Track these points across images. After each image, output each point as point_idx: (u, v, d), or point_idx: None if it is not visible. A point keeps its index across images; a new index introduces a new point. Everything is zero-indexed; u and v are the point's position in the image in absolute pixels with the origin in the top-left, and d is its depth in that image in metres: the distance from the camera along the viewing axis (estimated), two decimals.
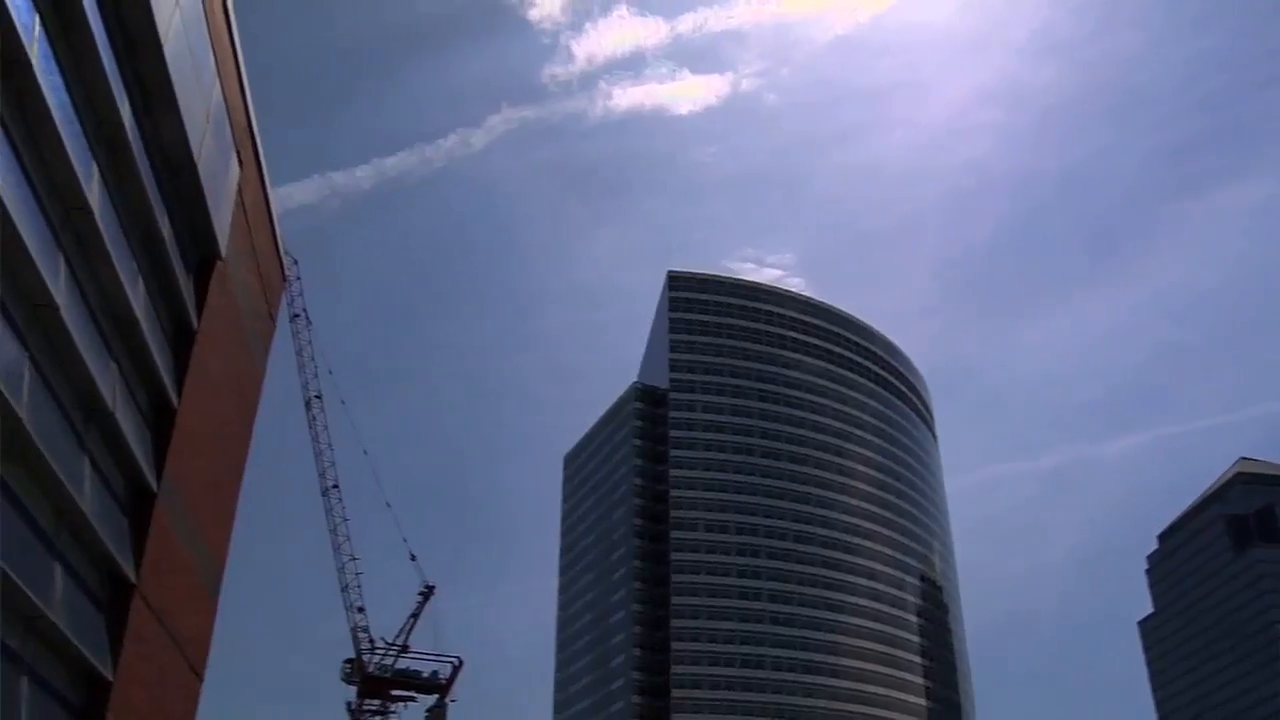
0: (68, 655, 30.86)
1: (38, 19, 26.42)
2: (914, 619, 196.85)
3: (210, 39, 38.35)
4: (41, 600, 28.08)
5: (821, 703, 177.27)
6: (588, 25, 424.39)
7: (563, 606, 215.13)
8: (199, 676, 43.36)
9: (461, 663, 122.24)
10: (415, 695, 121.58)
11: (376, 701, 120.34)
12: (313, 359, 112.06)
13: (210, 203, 39.64)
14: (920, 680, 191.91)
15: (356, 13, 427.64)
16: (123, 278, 32.33)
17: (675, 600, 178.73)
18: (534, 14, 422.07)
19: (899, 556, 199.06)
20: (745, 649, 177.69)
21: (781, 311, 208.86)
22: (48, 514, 29.59)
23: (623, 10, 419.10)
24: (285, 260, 58.33)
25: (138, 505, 36.04)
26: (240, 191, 44.84)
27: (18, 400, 26.29)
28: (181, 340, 39.65)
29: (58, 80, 27.75)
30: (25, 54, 25.21)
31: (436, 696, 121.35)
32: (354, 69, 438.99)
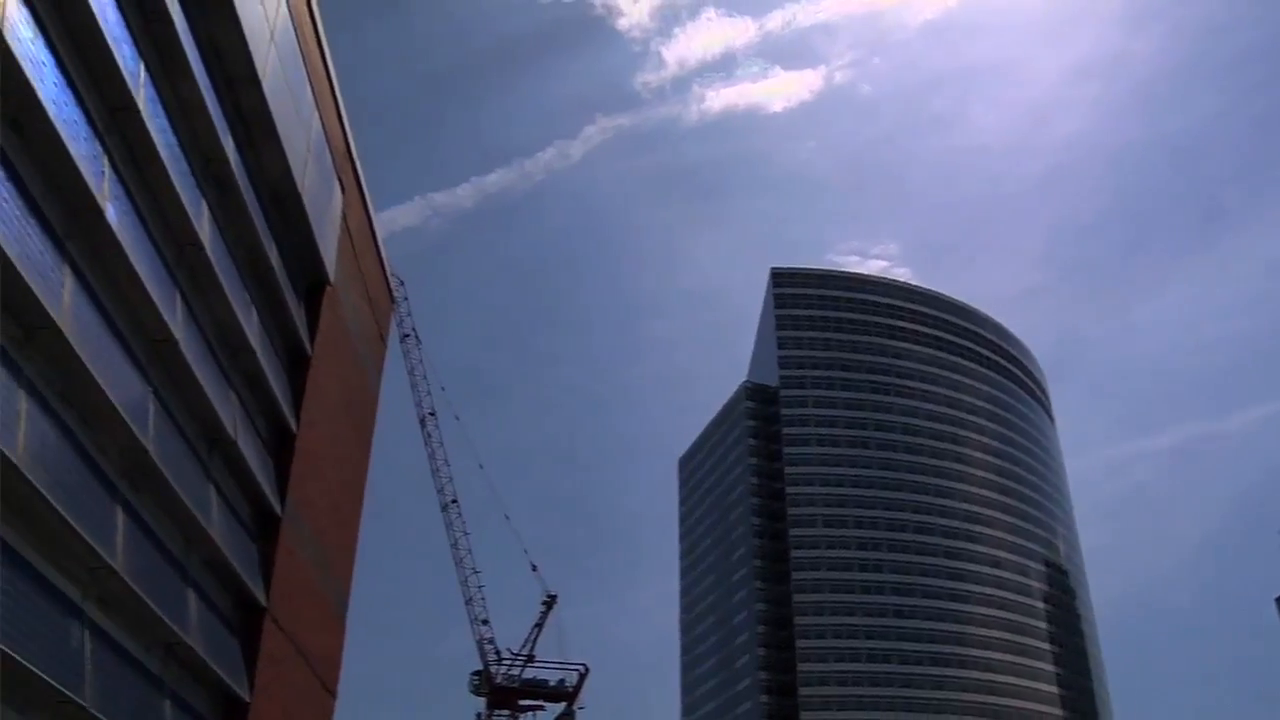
0: (206, 678, 31.71)
1: (142, 66, 27.26)
2: (1041, 605, 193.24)
3: (307, 71, 39.15)
4: (179, 626, 28.89)
5: (951, 694, 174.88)
6: (676, 30, 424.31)
7: (685, 609, 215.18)
8: (332, 694, 44.24)
9: (587, 670, 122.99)
10: (543, 704, 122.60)
11: (505, 712, 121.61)
12: (424, 377, 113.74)
13: (316, 230, 40.49)
14: (1050, 667, 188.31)
15: (447, 37, 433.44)
16: (236, 308, 33.15)
17: (797, 598, 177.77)
18: (623, 23, 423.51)
19: (1022, 543, 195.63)
20: (871, 643, 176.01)
21: (889, 301, 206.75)
22: (179, 542, 30.43)
23: (710, 13, 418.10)
24: (392, 281, 59.30)
25: (264, 529, 36.91)
26: (344, 217, 45.71)
27: (144, 433, 27.09)
28: (296, 366, 40.54)
29: (164, 122, 28.59)
30: (133, 99, 26.02)
31: (564, 704, 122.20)
32: (448, 91, 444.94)
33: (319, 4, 40.94)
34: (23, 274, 21.57)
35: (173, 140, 29.08)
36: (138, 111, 26.27)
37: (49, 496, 22.33)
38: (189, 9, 29.68)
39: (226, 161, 32.19)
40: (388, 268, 56.80)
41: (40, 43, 22.73)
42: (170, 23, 27.99)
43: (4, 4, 21.03)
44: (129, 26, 26.53)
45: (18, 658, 21.35)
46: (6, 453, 20.94)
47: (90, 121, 24.98)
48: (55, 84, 23.26)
